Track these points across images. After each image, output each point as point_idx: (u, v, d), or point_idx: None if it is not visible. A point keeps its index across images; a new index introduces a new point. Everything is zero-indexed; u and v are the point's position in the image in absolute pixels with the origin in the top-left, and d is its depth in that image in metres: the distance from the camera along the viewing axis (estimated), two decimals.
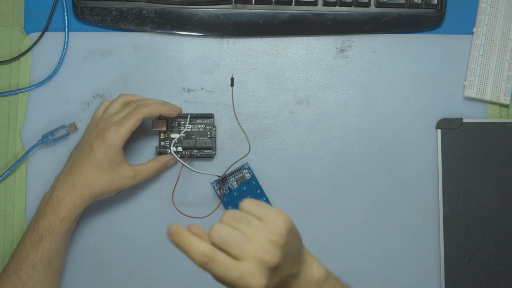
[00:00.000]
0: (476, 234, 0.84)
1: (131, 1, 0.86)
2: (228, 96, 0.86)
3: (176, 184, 0.83)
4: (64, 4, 0.87)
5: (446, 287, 0.84)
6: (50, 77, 0.86)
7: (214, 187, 0.85)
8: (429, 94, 0.87)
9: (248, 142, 0.81)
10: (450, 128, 0.86)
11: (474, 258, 0.84)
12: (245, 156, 0.80)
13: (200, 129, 0.85)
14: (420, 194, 0.85)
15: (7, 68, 0.86)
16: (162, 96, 0.86)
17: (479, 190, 0.85)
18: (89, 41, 0.87)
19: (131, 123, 0.77)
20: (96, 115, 0.83)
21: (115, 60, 0.87)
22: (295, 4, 0.86)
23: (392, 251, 0.85)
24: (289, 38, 0.88)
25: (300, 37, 0.88)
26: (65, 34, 0.86)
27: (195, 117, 0.85)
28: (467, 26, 0.88)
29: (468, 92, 0.86)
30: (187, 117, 0.84)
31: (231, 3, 0.86)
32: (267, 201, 0.85)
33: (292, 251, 0.58)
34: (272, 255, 0.55)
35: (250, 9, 0.86)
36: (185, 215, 0.81)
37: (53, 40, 0.86)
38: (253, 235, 0.55)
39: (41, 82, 0.85)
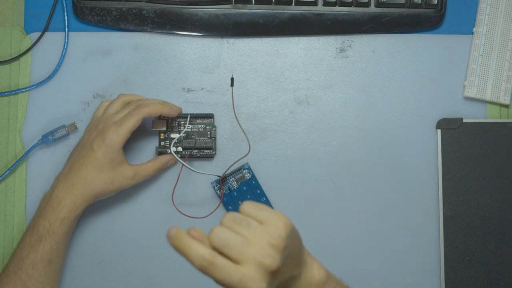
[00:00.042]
0: (476, 234, 0.85)
1: (131, 1, 0.86)
2: (228, 96, 0.86)
3: (176, 184, 0.83)
4: (64, 4, 0.86)
5: (446, 287, 0.84)
6: (50, 77, 0.86)
7: (214, 187, 0.85)
8: (429, 94, 0.87)
9: (248, 142, 0.81)
10: (450, 128, 0.86)
11: (474, 258, 0.84)
12: (245, 156, 0.80)
13: (200, 129, 0.85)
14: (420, 194, 0.85)
15: (7, 68, 0.86)
16: (162, 96, 0.86)
17: (479, 190, 0.85)
18: (89, 41, 0.86)
19: (131, 123, 0.77)
20: (96, 115, 0.83)
21: (115, 60, 0.86)
22: (295, 4, 0.86)
23: (392, 251, 0.85)
24: (289, 38, 0.87)
25: (300, 37, 0.87)
26: (65, 34, 0.86)
27: (195, 117, 0.85)
28: (467, 26, 0.88)
29: (468, 92, 0.86)
30: (187, 117, 0.84)
31: (231, 3, 0.86)
32: (267, 201, 0.85)
33: (292, 253, 0.58)
34: (272, 259, 0.55)
35: (250, 9, 0.86)
36: (185, 215, 0.81)
37: (53, 40, 0.86)
38: (253, 239, 0.55)
39: (41, 82, 0.85)
